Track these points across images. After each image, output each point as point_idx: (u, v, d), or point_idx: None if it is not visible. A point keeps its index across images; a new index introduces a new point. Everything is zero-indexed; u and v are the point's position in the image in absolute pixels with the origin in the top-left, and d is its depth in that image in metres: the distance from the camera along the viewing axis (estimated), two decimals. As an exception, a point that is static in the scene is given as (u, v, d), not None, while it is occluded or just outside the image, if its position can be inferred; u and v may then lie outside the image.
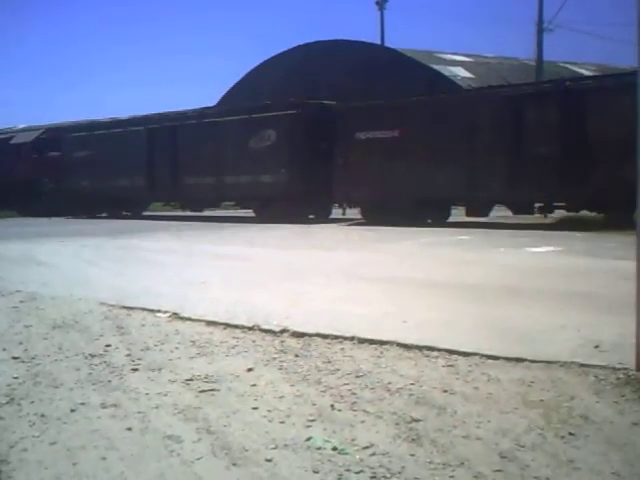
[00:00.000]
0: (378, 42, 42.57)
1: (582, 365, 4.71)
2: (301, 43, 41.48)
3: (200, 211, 27.04)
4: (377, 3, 45.18)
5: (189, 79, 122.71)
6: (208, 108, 29.70)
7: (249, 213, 25.90)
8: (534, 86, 19.03)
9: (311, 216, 23.12)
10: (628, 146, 15.07)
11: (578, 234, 15.09)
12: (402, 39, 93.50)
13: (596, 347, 5.17)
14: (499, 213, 20.45)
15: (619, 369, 4.57)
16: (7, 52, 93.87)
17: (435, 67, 36.47)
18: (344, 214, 24.28)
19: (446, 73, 36.11)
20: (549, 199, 18.47)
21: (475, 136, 18.78)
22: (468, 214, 20.08)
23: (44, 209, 28.32)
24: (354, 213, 23.39)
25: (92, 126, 30.91)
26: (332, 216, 24.09)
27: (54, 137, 31.05)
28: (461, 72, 37.22)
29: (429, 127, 19.36)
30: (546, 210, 19.13)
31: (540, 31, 32.41)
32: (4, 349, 5.69)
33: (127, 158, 26.68)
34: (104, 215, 28.73)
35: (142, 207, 29.72)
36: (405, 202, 19.82)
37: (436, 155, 19.06)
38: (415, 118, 19.76)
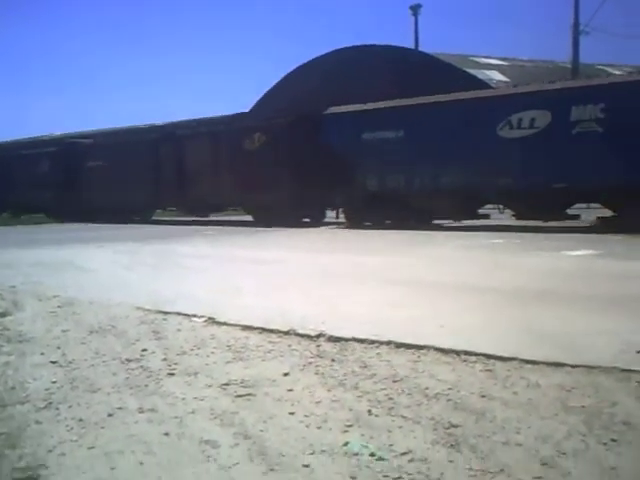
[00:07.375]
0: (412, 47, 42.41)
1: (624, 370, 4.62)
2: (336, 48, 41.45)
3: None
4: (411, 8, 45.23)
5: (221, 81, 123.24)
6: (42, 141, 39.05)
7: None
8: (164, 131, 29.70)
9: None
10: (202, 173, 26.72)
11: (616, 237, 14.88)
12: (435, 43, 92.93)
13: (638, 352, 5.08)
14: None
15: (662, 375, 4.47)
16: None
17: (470, 71, 36.22)
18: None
19: (481, 77, 35.86)
20: (172, 206, 30.43)
21: (138, 166, 28.57)
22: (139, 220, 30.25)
23: None
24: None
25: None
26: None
27: None
28: (496, 76, 36.93)
29: (116, 160, 29.61)
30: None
31: (576, 33, 32.08)
32: (42, 353, 5.74)
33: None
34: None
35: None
36: (115, 208, 29.77)
37: (124, 179, 29.02)
38: (113, 153, 30.27)
